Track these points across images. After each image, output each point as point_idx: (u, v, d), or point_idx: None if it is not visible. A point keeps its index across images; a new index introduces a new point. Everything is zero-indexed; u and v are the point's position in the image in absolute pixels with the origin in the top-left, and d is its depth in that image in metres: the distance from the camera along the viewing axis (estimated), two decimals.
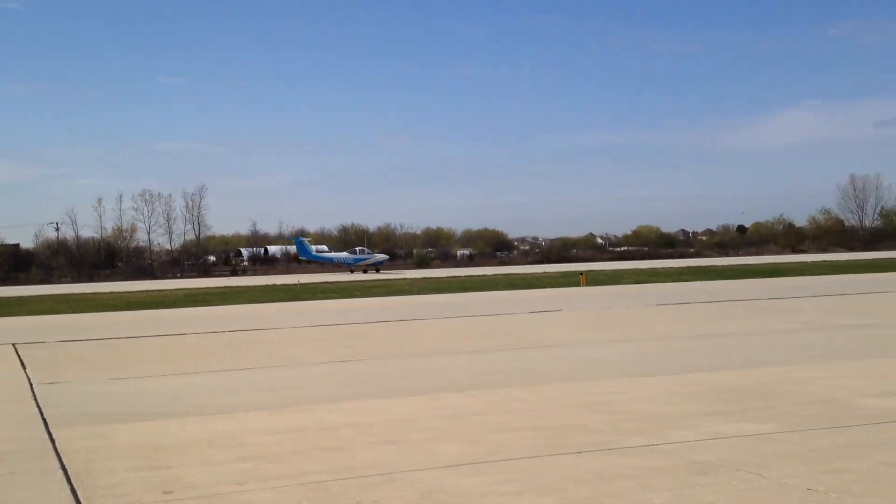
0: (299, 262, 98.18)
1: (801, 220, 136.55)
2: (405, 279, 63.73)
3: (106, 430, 10.68)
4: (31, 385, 14.90)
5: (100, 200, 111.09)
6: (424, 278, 64.40)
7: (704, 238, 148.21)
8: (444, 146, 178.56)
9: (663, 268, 70.50)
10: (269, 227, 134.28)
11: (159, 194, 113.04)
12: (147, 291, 54.82)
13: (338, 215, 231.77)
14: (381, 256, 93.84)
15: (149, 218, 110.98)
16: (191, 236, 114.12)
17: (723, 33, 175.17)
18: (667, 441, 8.96)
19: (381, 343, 20.48)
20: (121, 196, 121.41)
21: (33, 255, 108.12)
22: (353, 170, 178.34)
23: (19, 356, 19.35)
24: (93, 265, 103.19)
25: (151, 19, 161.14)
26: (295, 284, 58.73)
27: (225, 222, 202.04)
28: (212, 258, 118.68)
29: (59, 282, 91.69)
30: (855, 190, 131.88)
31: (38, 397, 13.55)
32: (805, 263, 69.66)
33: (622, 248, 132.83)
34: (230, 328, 25.41)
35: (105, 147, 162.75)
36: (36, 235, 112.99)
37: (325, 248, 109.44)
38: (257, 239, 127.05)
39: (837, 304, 28.63)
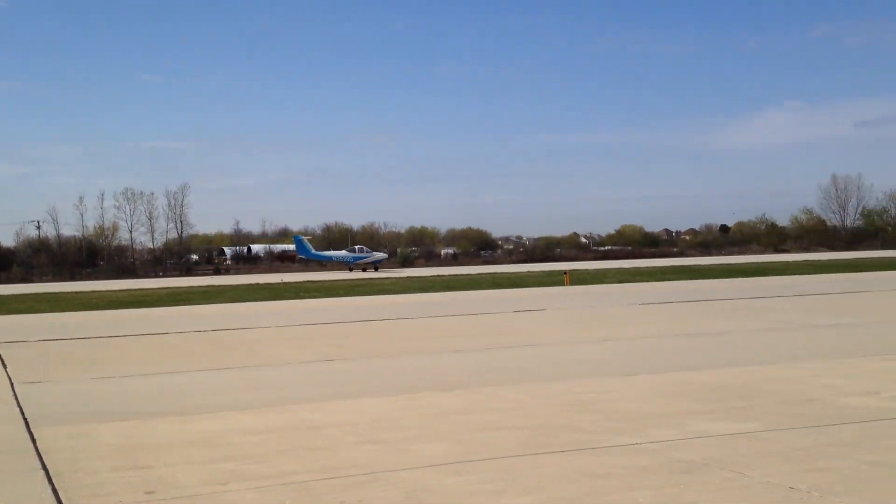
0: (299, 260, 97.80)
1: (783, 220, 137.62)
2: (390, 278, 63.69)
3: (88, 429, 10.62)
4: (11, 384, 14.80)
5: (81, 199, 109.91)
6: (409, 277, 64.40)
7: (688, 238, 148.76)
8: (428, 146, 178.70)
9: (647, 267, 70.81)
10: (252, 226, 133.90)
11: (141, 193, 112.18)
12: (129, 290, 54.50)
13: (322, 214, 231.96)
14: (381, 255, 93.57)
15: (131, 216, 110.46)
16: (173, 235, 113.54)
17: (705, 34, 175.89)
18: (651, 440, 8.99)
19: (364, 342, 20.44)
20: (103, 194, 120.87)
21: (14, 253, 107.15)
22: (336, 168, 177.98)
23: (0, 355, 19.21)
24: (74, 264, 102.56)
25: (133, 17, 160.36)
26: (278, 283, 58.57)
27: (208, 221, 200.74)
28: (194, 257, 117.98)
29: (41, 280, 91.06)
30: (837, 190, 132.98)
31: (18, 397, 13.45)
32: (787, 263, 70.25)
33: (606, 248, 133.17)
34: (213, 327, 25.30)
35: (87, 145, 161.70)
36: (17, 234, 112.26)
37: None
38: (240, 238, 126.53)
39: (818, 303, 28.84)
